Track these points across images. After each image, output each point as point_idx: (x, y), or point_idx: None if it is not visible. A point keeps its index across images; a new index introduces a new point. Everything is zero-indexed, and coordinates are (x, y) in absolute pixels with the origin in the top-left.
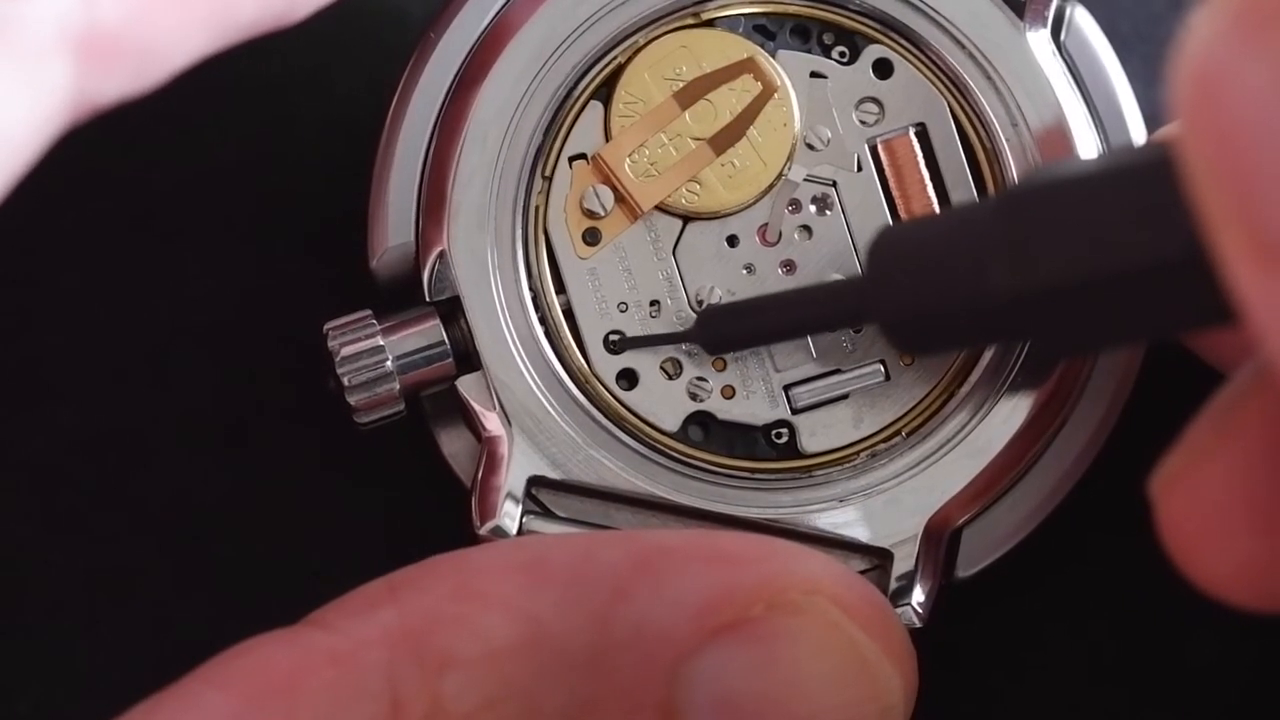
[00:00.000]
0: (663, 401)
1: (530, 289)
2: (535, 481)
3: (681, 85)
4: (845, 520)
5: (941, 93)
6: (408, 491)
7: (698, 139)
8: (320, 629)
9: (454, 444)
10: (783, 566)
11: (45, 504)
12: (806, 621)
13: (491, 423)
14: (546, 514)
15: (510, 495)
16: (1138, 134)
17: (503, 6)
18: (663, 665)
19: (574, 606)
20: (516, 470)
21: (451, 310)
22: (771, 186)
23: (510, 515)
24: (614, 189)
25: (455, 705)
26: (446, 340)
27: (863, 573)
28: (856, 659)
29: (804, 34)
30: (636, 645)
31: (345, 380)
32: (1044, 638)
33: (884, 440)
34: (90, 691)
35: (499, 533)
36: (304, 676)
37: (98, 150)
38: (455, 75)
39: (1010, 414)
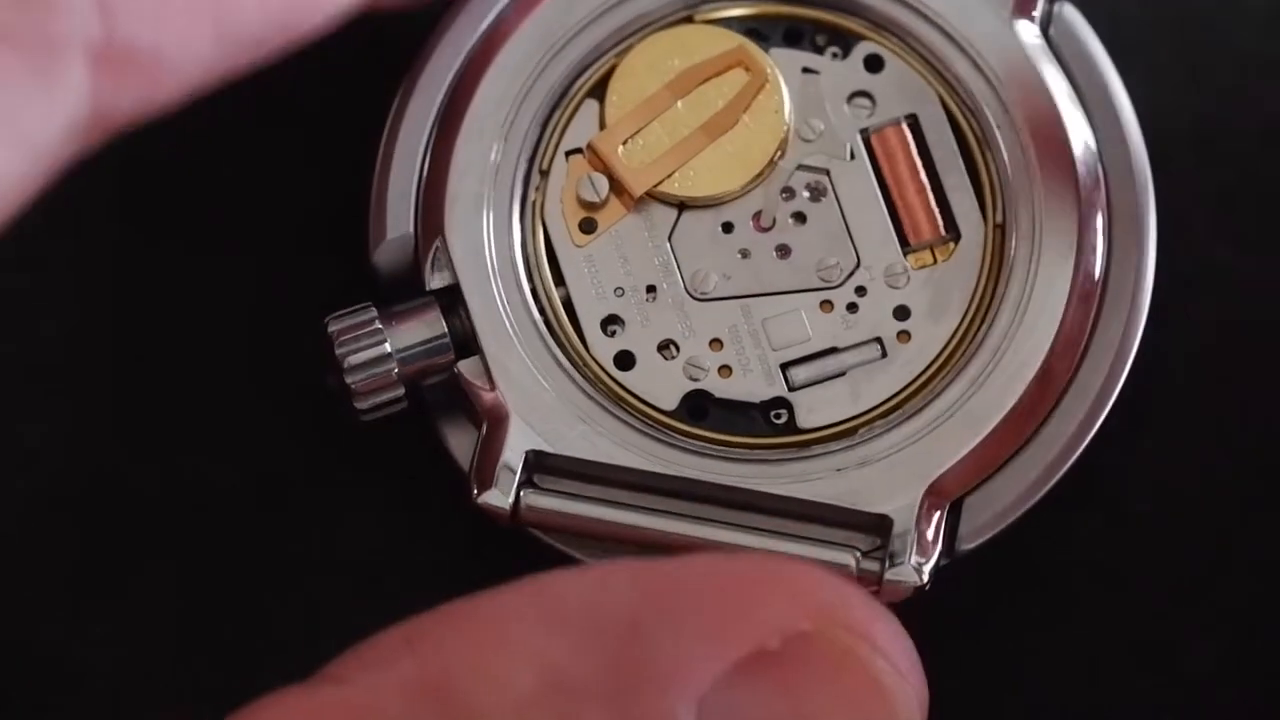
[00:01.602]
0: (660, 382)
1: (528, 275)
2: (533, 457)
3: (674, 77)
4: (843, 489)
5: (932, 84)
6: (408, 489)
7: (690, 127)
8: (336, 683)
9: (456, 437)
10: (793, 594)
11: (43, 502)
12: (820, 650)
13: (490, 399)
14: (544, 489)
15: (507, 467)
16: (1128, 120)
17: (502, 9)
18: (682, 702)
19: (591, 647)
20: (514, 444)
21: (451, 301)
22: (764, 173)
23: (506, 487)
24: (608, 176)
25: None
26: (446, 328)
27: (866, 553)
28: (872, 682)
29: (796, 37)
30: (654, 683)
31: (344, 363)
32: (1047, 613)
33: (881, 416)
34: (89, 690)
35: (495, 502)
36: None
37: (98, 150)
38: (455, 74)
39: (1008, 384)
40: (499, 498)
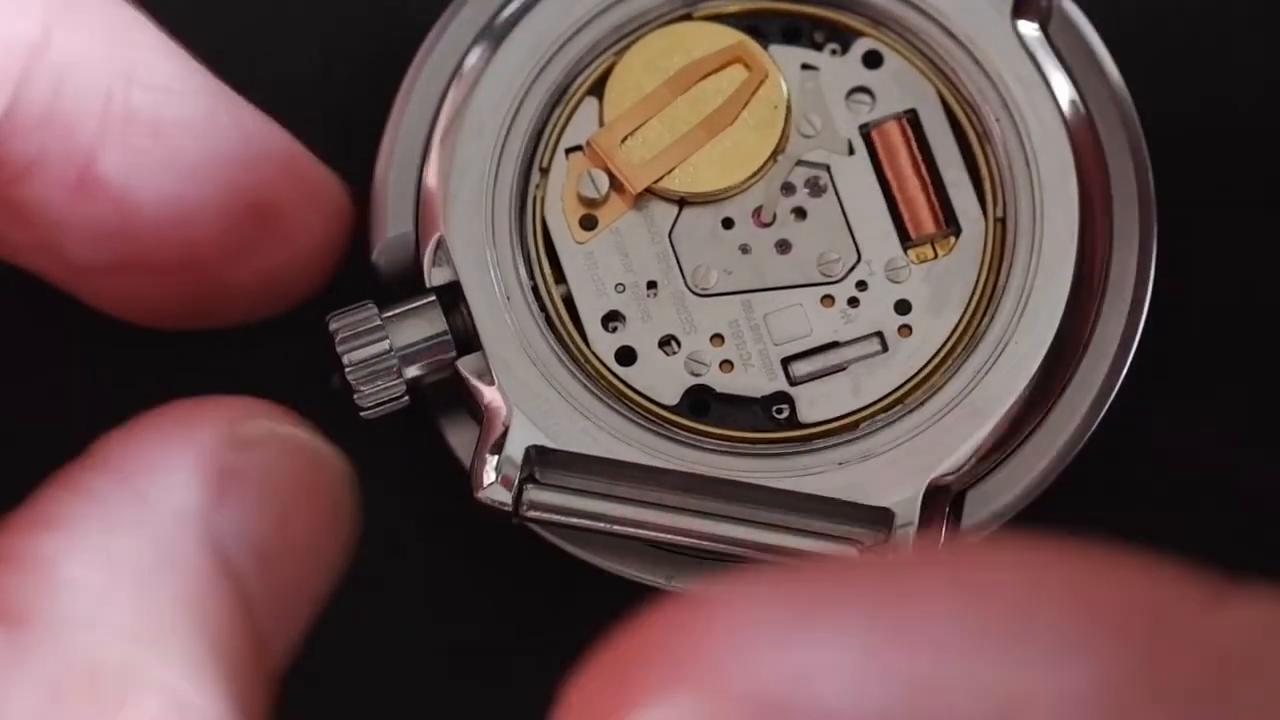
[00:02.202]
0: (661, 377)
1: (528, 271)
2: (534, 452)
3: (673, 74)
4: (845, 483)
5: (931, 80)
6: (410, 486)
7: (690, 123)
8: None
9: (457, 434)
10: (230, 416)
11: None
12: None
13: (491, 395)
14: (545, 485)
15: (509, 462)
16: (1129, 116)
17: (500, 7)
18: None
19: None
20: (515, 439)
21: (452, 299)
22: (764, 169)
23: (508, 483)
24: (608, 173)
25: None
26: (447, 325)
27: (869, 547)
28: (311, 452)
29: (794, 34)
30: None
31: (345, 360)
32: None
33: (883, 410)
34: None
35: (497, 498)
36: None
37: None
38: (454, 72)
39: (1009, 378)
40: (501, 493)
